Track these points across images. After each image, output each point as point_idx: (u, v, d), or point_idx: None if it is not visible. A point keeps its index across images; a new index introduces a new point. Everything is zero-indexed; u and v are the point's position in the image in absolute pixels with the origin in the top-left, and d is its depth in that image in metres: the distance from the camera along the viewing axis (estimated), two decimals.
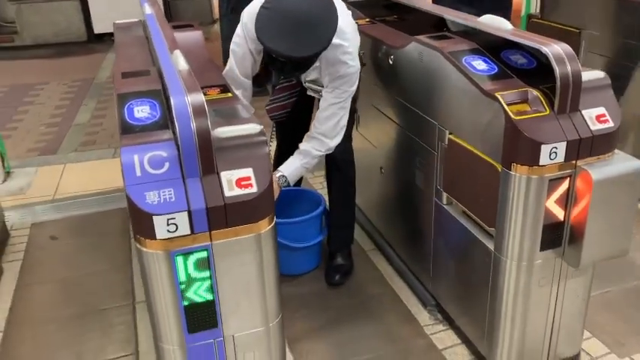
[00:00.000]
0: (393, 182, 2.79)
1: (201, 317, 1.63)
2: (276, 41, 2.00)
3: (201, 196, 1.50)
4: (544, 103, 1.83)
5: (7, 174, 4.02)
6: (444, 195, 2.28)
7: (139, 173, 1.51)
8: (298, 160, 2.37)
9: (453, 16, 2.33)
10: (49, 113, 5.31)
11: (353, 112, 2.70)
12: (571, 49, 1.80)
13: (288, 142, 2.70)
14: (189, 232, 1.51)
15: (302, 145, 2.38)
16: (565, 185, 1.84)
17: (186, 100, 1.50)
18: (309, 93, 2.50)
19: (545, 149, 1.77)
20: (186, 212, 1.49)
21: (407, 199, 2.65)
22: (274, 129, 2.83)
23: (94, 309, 2.68)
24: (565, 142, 1.78)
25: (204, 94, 1.95)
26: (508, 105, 1.83)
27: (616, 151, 1.89)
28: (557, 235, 1.91)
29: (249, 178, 1.55)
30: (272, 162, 2.85)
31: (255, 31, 2.04)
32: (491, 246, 2.01)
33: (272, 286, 1.70)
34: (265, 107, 2.64)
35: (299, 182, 3.10)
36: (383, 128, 2.77)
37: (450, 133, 2.16)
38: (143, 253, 1.54)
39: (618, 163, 1.83)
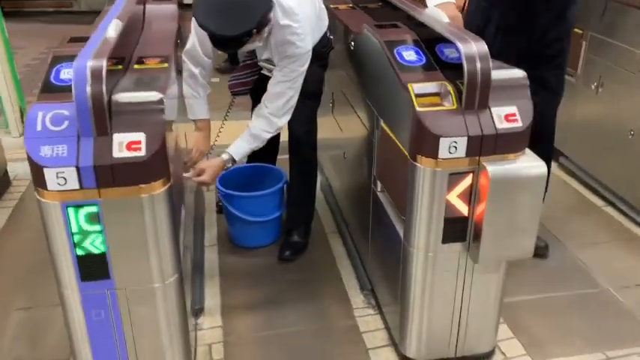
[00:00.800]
0: (351, 168, 2.83)
1: (93, 268, 1.75)
2: (207, 19, 2.09)
3: (91, 155, 1.62)
4: (454, 97, 1.84)
5: None
6: (379, 182, 2.32)
7: (39, 128, 1.65)
8: (247, 143, 2.44)
9: (405, 7, 2.33)
10: None
11: (318, 93, 2.77)
12: (486, 47, 1.79)
13: None
14: (78, 186, 1.63)
15: (252, 127, 2.43)
16: (468, 181, 1.85)
17: (87, 65, 1.62)
18: (264, 72, 2.58)
19: (443, 142, 1.78)
20: (74, 168, 1.61)
21: (358, 185, 2.69)
22: (232, 104, 2.93)
23: None
24: (466, 138, 1.79)
25: (143, 63, 2.11)
26: (417, 96, 1.85)
27: (528, 151, 1.88)
28: (460, 230, 1.92)
29: (139, 142, 1.65)
30: None
31: (192, 7, 2.13)
32: (402, 235, 2.05)
33: (166, 245, 1.80)
34: (228, 83, 2.73)
35: (273, 160, 3.19)
36: (346, 113, 2.82)
37: (384, 122, 2.19)
38: (40, 203, 1.68)
39: (522, 164, 1.82)
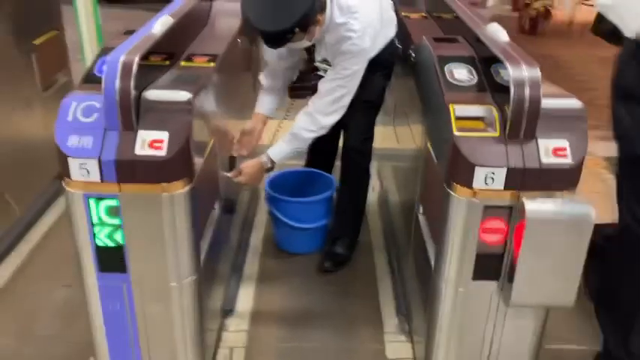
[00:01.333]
0: (403, 184, 2.71)
1: (110, 260, 1.77)
2: (251, 11, 2.06)
3: (114, 149, 1.64)
4: (498, 124, 1.69)
5: None
6: (420, 204, 2.19)
7: (70, 118, 1.68)
8: (287, 144, 2.38)
9: (467, 21, 2.18)
10: None
11: (377, 103, 2.67)
12: (539, 73, 1.62)
13: None
14: (99, 179, 1.65)
15: (294, 125, 2.39)
16: (505, 216, 1.69)
17: (119, 59, 1.63)
18: (320, 73, 2.50)
19: (479, 172, 1.64)
20: (96, 160, 1.63)
21: (407, 203, 2.57)
22: (290, 107, 2.89)
23: None
24: (505, 169, 1.63)
25: (191, 60, 2.11)
26: (457, 119, 1.71)
27: (579, 191, 1.69)
28: (493, 267, 1.77)
29: (161, 141, 1.65)
30: None
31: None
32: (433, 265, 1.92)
33: (185, 246, 1.79)
34: (289, 85, 2.68)
35: (329, 167, 3.12)
36: (403, 126, 2.70)
37: (429, 142, 2.06)
38: (66, 192, 1.71)
39: (567, 205, 1.64)
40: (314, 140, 2.48)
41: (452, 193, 1.72)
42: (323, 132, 2.39)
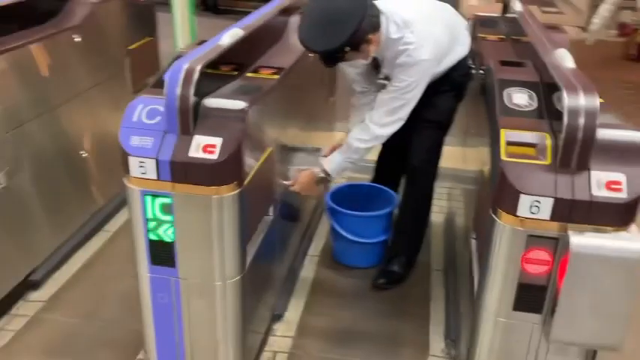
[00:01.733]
0: (469, 207, 2.66)
1: (161, 254, 1.88)
2: (303, 31, 2.12)
3: (171, 151, 1.74)
4: (549, 152, 1.64)
5: None
6: (473, 229, 2.15)
7: (135, 119, 1.81)
8: (341, 153, 2.41)
9: (537, 45, 2.12)
10: None
11: (445, 124, 2.65)
12: (597, 102, 1.56)
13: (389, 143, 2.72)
14: (155, 177, 1.77)
15: (349, 136, 2.42)
16: (549, 247, 1.63)
17: (182, 67, 1.74)
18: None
19: (524, 200, 1.59)
20: (154, 160, 1.75)
21: (466, 227, 2.52)
22: None
23: None
24: (552, 199, 1.58)
25: (257, 72, 2.20)
26: (507, 144, 1.68)
27: (633, 228, 1.60)
28: (535, 299, 1.71)
29: (214, 146, 1.74)
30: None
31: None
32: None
33: (231, 247, 1.86)
34: None
35: (395, 185, 3.10)
36: (473, 148, 2.66)
37: (487, 166, 2.02)
38: (126, 187, 1.84)
39: (617, 242, 1.55)
40: (368, 151, 2.46)
41: (496, 219, 1.68)
42: (376, 143, 2.42)
